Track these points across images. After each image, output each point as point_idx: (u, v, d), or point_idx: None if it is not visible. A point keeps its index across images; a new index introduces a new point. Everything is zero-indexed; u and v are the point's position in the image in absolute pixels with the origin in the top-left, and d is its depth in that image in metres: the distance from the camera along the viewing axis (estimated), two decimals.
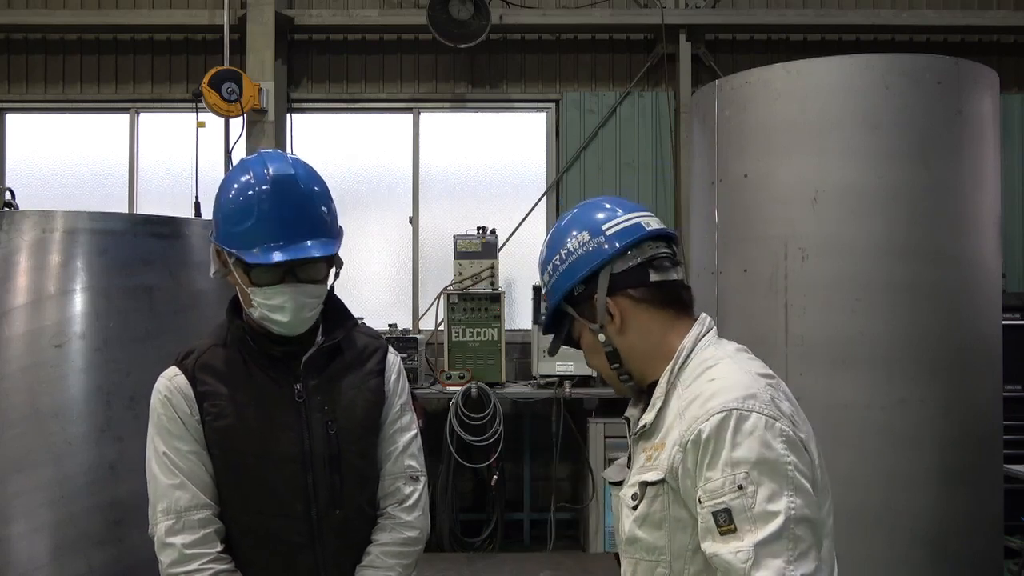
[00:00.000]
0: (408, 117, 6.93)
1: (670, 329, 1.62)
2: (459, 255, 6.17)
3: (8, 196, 3.44)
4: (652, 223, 1.63)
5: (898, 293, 3.18)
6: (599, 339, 1.61)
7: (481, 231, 6.21)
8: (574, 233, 1.62)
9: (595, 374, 5.84)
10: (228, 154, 6.23)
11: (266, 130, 6.36)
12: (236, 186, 1.79)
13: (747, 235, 3.40)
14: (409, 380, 6.44)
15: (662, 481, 1.49)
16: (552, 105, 6.89)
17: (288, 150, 6.64)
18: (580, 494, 6.14)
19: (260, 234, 1.73)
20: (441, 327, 6.23)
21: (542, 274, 1.70)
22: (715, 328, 1.67)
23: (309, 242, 1.75)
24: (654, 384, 1.61)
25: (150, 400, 1.87)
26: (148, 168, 6.93)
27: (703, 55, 6.66)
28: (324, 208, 1.81)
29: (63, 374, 2.73)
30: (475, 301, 6.03)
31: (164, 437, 1.83)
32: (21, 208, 3.38)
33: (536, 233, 6.76)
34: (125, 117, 6.93)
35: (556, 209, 6.78)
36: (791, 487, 1.39)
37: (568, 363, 5.84)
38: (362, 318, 5.53)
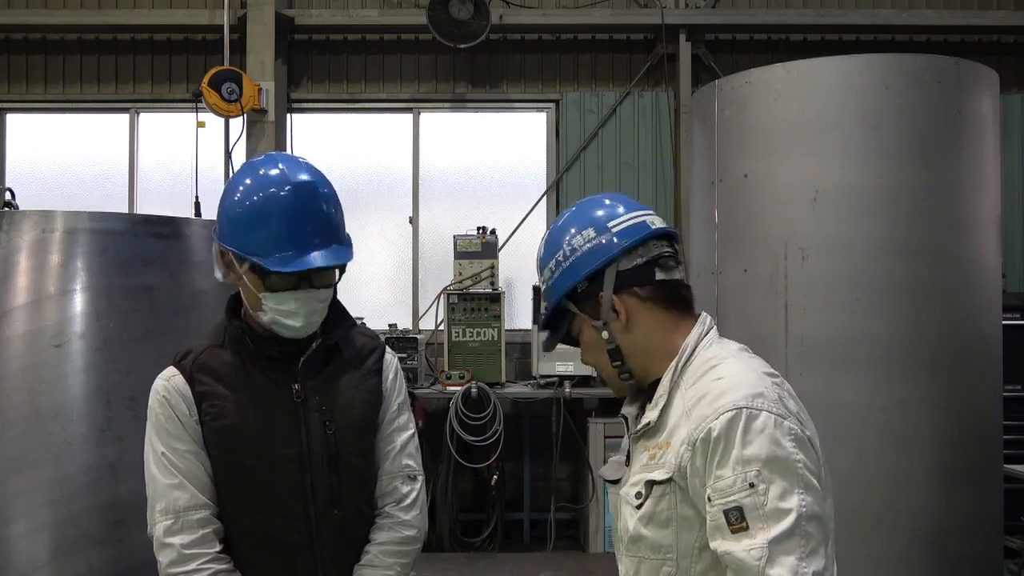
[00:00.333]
0: (408, 117, 6.93)
1: (674, 328, 1.62)
2: (459, 255, 6.17)
3: (8, 196, 3.44)
4: (656, 221, 1.63)
5: (898, 293, 3.18)
6: (602, 336, 1.60)
7: (481, 231, 6.21)
8: (576, 231, 1.61)
9: (595, 374, 5.85)
10: (228, 154, 6.23)
11: (266, 130, 6.36)
12: (252, 191, 1.76)
13: (747, 235, 3.40)
14: (409, 380, 6.42)
15: (670, 480, 1.49)
16: (552, 105, 6.89)
17: (288, 150, 6.65)
18: (580, 494, 6.15)
19: (282, 241, 1.72)
20: (441, 327, 6.23)
21: (541, 271, 1.68)
22: (715, 327, 1.67)
23: (326, 250, 1.76)
24: (654, 383, 1.61)
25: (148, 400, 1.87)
26: (148, 168, 6.93)
27: (703, 55, 6.66)
28: (338, 214, 1.82)
29: (63, 374, 2.73)
30: (475, 301, 6.03)
31: (162, 437, 1.83)
32: (21, 208, 3.38)
33: (536, 233, 6.75)
34: (125, 117, 6.93)
35: (556, 209, 6.78)
36: (801, 484, 1.40)
37: (568, 363, 5.84)
38: (362, 318, 5.55)
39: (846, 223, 3.21)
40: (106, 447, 2.72)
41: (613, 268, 1.58)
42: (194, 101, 6.10)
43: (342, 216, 1.84)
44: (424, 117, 6.95)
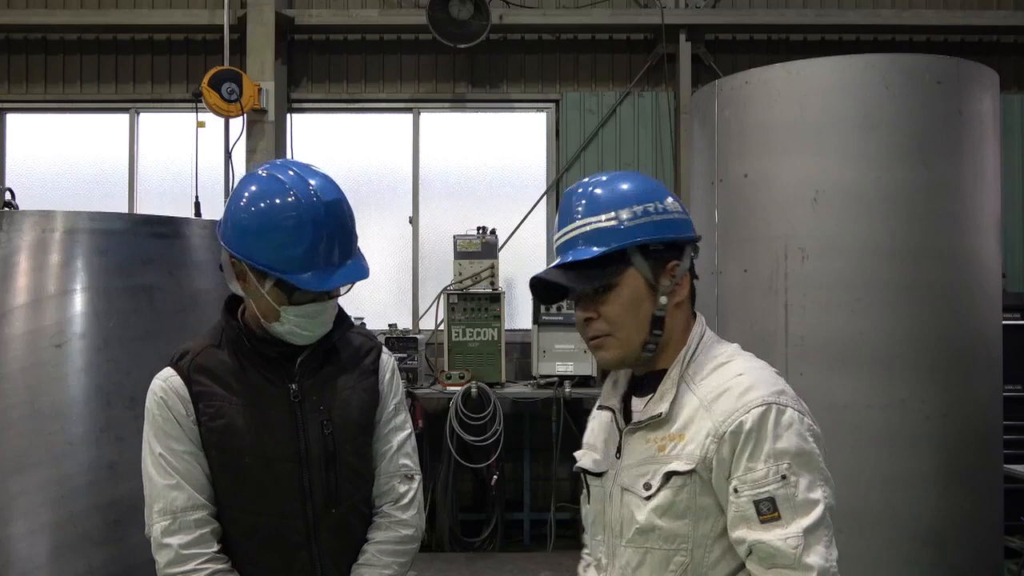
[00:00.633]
0: (408, 117, 6.93)
1: (688, 322, 1.67)
2: (459, 255, 6.16)
3: (8, 196, 3.44)
4: None
5: (898, 293, 3.18)
6: (659, 301, 1.59)
7: (481, 231, 6.21)
8: (669, 197, 1.63)
9: (595, 373, 5.85)
10: (228, 154, 6.23)
11: (266, 130, 6.36)
12: (282, 210, 1.72)
13: (747, 235, 3.40)
14: (409, 380, 6.40)
15: (692, 471, 1.52)
16: (552, 105, 6.89)
17: (288, 150, 6.65)
18: (580, 494, 6.13)
19: (312, 260, 1.73)
20: (441, 327, 6.23)
21: (613, 207, 1.58)
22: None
23: (351, 263, 1.79)
24: (654, 374, 1.64)
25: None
26: (148, 168, 6.94)
27: (703, 55, 6.66)
28: (354, 226, 1.84)
29: (63, 374, 2.73)
30: (475, 301, 6.03)
31: (160, 438, 1.83)
32: (21, 208, 3.38)
33: (536, 233, 6.77)
34: (125, 117, 6.93)
35: (556, 209, 6.75)
36: (822, 478, 1.49)
37: (568, 363, 5.85)
38: (362, 318, 5.56)
39: (846, 223, 3.21)
40: (106, 447, 2.72)
41: (691, 247, 1.64)
42: (194, 101, 6.09)
43: (355, 222, 1.86)
44: (424, 117, 6.95)
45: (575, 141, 6.78)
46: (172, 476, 1.81)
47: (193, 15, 6.66)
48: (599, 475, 1.69)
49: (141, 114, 6.95)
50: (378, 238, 6.86)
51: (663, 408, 1.58)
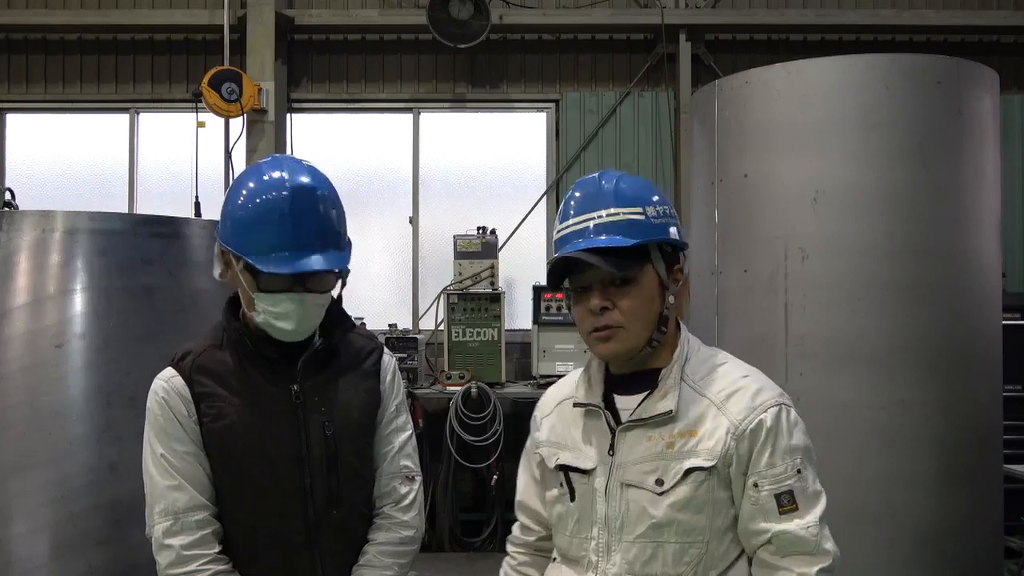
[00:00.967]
0: (408, 117, 6.93)
1: (677, 324, 1.74)
2: (459, 255, 6.16)
3: (8, 196, 3.44)
4: None
5: (898, 293, 3.18)
6: (668, 300, 1.67)
7: (481, 231, 6.21)
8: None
9: None
10: (228, 154, 6.23)
11: (266, 130, 6.36)
12: (253, 191, 1.77)
13: (747, 235, 3.40)
14: (409, 380, 6.40)
15: (713, 467, 1.59)
16: (552, 105, 6.89)
17: (288, 150, 6.65)
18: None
19: (275, 243, 1.73)
20: (441, 327, 6.23)
21: (640, 203, 1.65)
22: None
23: (322, 254, 1.75)
24: (646, 372, 1.67)
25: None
26: (148, 168, 6.94)
27: (703, 55, 6.66)
28: (338, 219, 1.82)
29: (63, 374, 2.73)
30: (475, 301, 6.03)
31: (161, 438, 1.83)
32: (21, 208, 3.39)
33: (536, 233, 6.76)
34: (125, 117, 6.93)
35: (556, 209, 6.75)
36: (816, 470, 1.65)
37: (568, 363, 5.84)
38: (362, 319, 5.56)
39: (846, 223, 3.21)
40: (106, 447, 2.72)
41: (685, 254, 1.74)
42: (194, 101, 6.10)
43: (343, 221, 1.84)
44: (424, 117, 6.95)
45: (575, 141, 6.77)
46: (174, 477, 1.81)
47: (193, 15, 6.66)
48: (585, 473, 1.69)
49: (141, 114, 6.95)
50: (378, 238, 6.87)
51: (671, 405, 1.62)
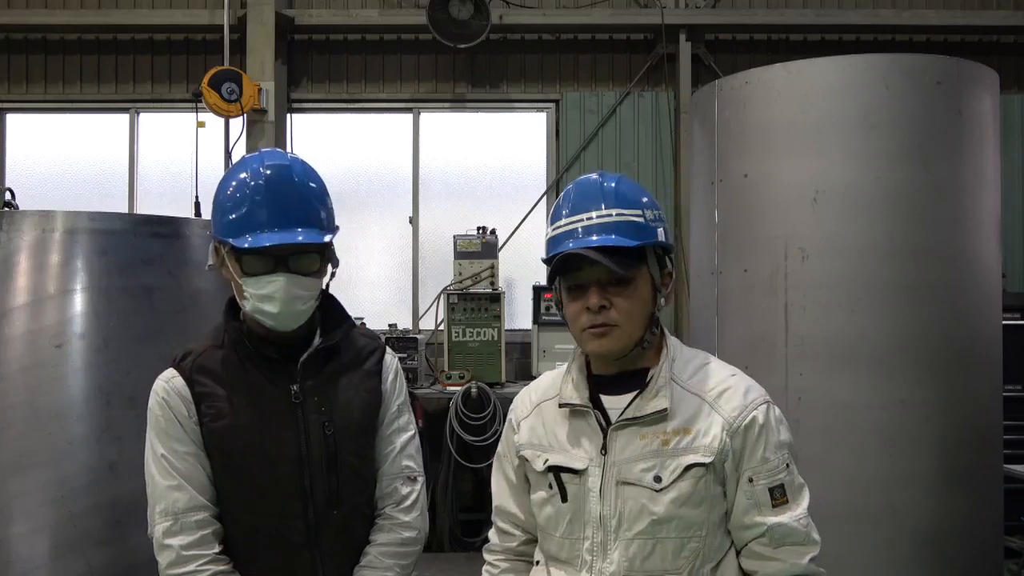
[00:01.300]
0: (408, 117, 6.93)
1: (661, 330, 1.78)
2: (459, 255, 6.16)
3: (8, 196, 3.44)
4: None
5: (898, 293, 3.18)
6: (659, 302, 1.72)
7: (481, 231, 6.21)
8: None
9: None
10: (228, 154, 6.23)
11: (266, 130, 6.36)
12: (232, 179, 1.81)
13: (747, 235, 3.40)
14: (409, 380, 6.40)
15: (711, 463, 1.63)
16: (552, 105, 6.89)
17: (288, 150, 6.63)
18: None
19: (252, 222, 1.74)
20: (441, 327, 6.23)
21: (639, 206, 1.69)
22: None
23: (300, 230, 1.76)
24: (633, 372, 1.70)
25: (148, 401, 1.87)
26: (148, 168, 6.93)
27: (703, 55, 6.66)
28: (317, 201, 1.82)
29: (63, 374, 2.73)
30: (475, 301, 6.03)
31: (162, 439, 1.83)
32: (21, 208, 3.39)
33: (536, 233, 6.75)
34: (125, 117, 6.93)
35: None
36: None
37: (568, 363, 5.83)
38: (362, 319, 5.55)
39: (846, 223, 3.21)
40: (106, 447, 2.72)
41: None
42: (194, 101, 6.09)
43: (325, 202, 1.84)
44: (424, 117, 6.94)
45: (575, 141, 6.77)
46: (174, 477, 1.81)
47: (193, 15, 6.66)
48: (577, 473, 1.69)
49: (141, 114, 6.95)
50: (378, 238, 6.87)
51: (665, 404, 1.65)
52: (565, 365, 1.82)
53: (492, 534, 1.92)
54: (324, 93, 6.84)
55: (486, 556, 1.93)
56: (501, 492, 1.89)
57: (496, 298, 6.03)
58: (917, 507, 3.15)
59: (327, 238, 1.81)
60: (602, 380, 1.74)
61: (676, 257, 1.78)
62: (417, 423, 2.11)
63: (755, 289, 3.34)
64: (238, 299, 1.83)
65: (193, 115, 6.17)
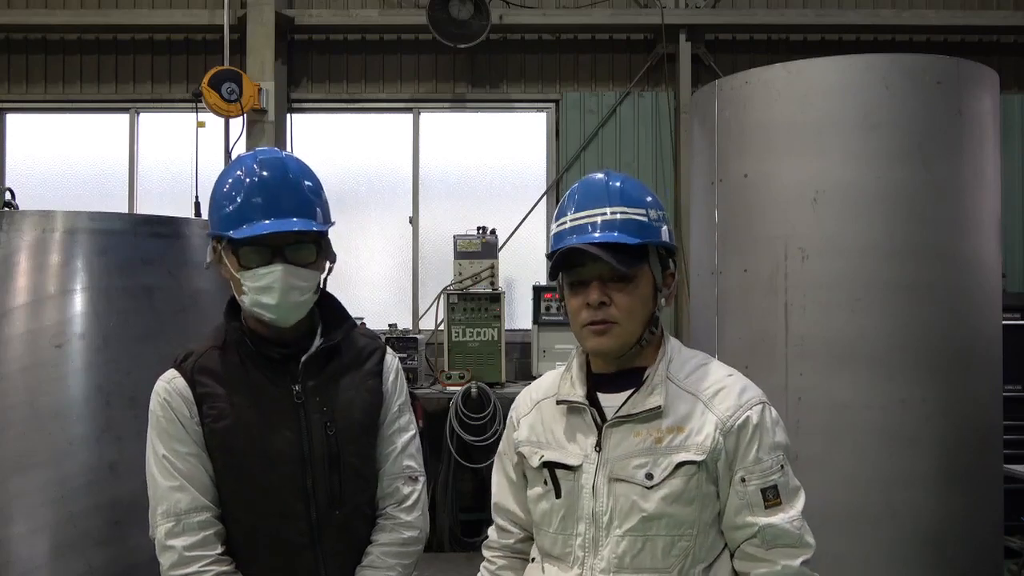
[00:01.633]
0: (408, 117, 6.93)
1: (661, 330, 1.78)
2: (459, 255, 6.16)
3: (8, 196, 3.44)
4: None
5: (898, 293, 3.18)
6: (660, 302, 1.72)
7: (481, 231, 6.21)
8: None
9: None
10: (228, 154, 6.23)
11: (266, 130, 6.36)
12: (228, 177, 1.83)
13: (747, 235, 3.40)
14: (409, 380, 6.40)
15: (703, 461, 1.63)
16: (552, 105, 6.89)
17: (288, 150, 6.63)
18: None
19: (247, 213, 1.76)
20: (441, 327, 6.23)
21: (644, 205, 1.69)
22: None
23: (295, 219, 1.77)
24: (631, 371, 1.71)
25: (149, 402, 1.87)
26: (148, 168, 6.93)
27: (703, 55, 6.66)
28: (312, 194, 1.83)
29: (63, 374, 2.73)
30: (475, 301, 6.03)
31: (163, 439, 1.83)
32: (21, 208, 3.39)
33: (536, 233, 6.76)
34: (125, 117, 6.93)
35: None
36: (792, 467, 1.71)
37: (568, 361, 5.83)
38: (362, 319, 5.55)
39: (846, 223, 3.21)
40: (106, 447, 2.72)
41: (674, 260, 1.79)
42: (194, 101, 6.10)
43: (320, 196, 1.85)
44: (424, 117, 6.94)
45: (575, 141, 6.77)
46: (176, 478, 1.81)
47: (193, 15, 6.66)
48: (571, 469, 1.70)
49: (141, 114, 6.95)
50: (378, 238, 6.87)
51: (659, 401, 1.66)
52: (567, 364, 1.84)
53: (491, 531, 1.94)
54: (324, 93, 6.84)
55: (485, 552, 1.95)
56: (500, 489, 1.91)
57: (496, 298, 6.03)
58: (917, 507, 3.15)
59: (320, 226, 1.82)
60: (601, 378, 1.75)
61: (677, 257, 1.77)
62: (417, 423, 2.11)
63: (755, 289, 3.34)
64: (237, 296, 1.84)
65: (193, 115, 6.17)
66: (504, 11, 6.54)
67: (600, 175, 1.75)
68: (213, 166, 6.18)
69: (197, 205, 5.02)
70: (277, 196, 1.77)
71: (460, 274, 6.13)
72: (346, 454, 1.88)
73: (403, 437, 1.99)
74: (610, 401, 1.71)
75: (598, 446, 1.68)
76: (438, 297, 6.41)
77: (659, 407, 1.65)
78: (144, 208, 6.80)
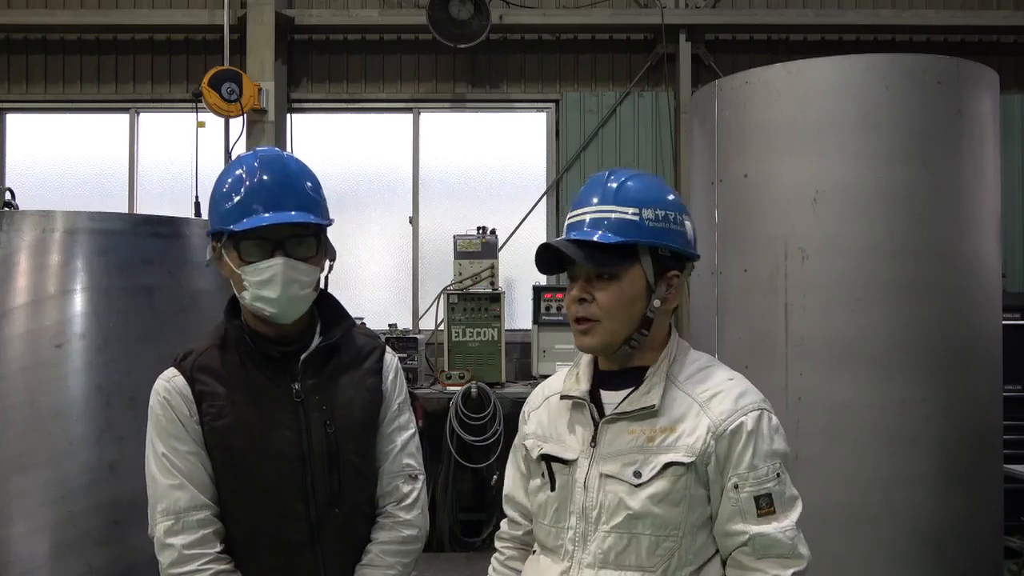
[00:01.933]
0: (408, 117, 6.93)
1: (669, 330, 1.78)
2: (459, 255, 6.16)
3: (8, 196, 3.44)
4: None
5: (898, 293, 3.18)
6: (653, 303, 1.68)
7: (481, 231, 6.21)
8: (689, 220, 1.73)
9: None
10: (228, 154, 6.23)
11: (266, 130, 6.36)
12: (228, 175, 1.84)
13: (747, 235, 3.40)
14: (409, 380, 6.42)
15: (692, 463, 1.61)
16: (552, 105, 6.89)
17: (288, 150, 6.64)
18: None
19: (247, 207, 1.77)
20: (441, 327, 6.23)
21: (640, 204, 1.66)
22: None
23: (294, 213, 1.78)
24: (632, 369, 1.71)
25: (149, 401, 1.87)
26: (148, 168, 6.94)
27: (703, 55, 6.66)
28: (311, 190, 1.85)
29: (63, 374, 2.73)
30: (475, 301, 6.03)
31: (163, 438, 1.83)
32: (21, 208, 3.39)
33: (536, 233, 6.76)
34: (125, 117, 6.93)
35: (556, 209, 6.78)
36: (790, 477, 1.68)
37: (568, 363, 5.83)
38: (362, 318, 5.55)
39: (846, 223, 3.21)
40: (106, 447, 2.72)
41: (691, 265, 1.75)
42: (194, 101, 6.10)
43: (319, 192, 1.87)
44: (424, 117, 6.95)
45: (575, 141, 6.78)
46: (175, 476, 1.81)
47: (193, 15, 6.66)
48: (567, 463, 1.71)
49: (141, 114, 6.95)
50: (378, 238, 6.87)
51: (654, 400, 1.66)
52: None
53: (503, 522, 1.96)
54: (324, 93, 6.84)
55: (496, 544, 1.97)
56: (512, 481, 1.92)
57: (496, 298, 6.03)
58: (917, 507, 3.15)
59: (320, 219, 1.83)
60: (605, 376, 1.76)
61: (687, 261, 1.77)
62: (417, 423, 2.12)
63: (755, 289, 3.34)
64: (237, 293, 1.84)
65: (193, 115, 6.17)
66: (504, 11, 6.54)
67: (606, 172, 1.75)
68: (213, 166, 6.18)
69: (197, 205, 5.02)
70: (277, 191, 1.78)
71: (460, 274, 6.13)
72: (346, 453, 1.88)
73: (403, 436, 1.99)
74: (611, 398, 1.72)
75: (593, 441, 1.69)
76: (438, 297, 6.41)
77: (653, 406, 1.65)
78: (144, 208, 6.80)
